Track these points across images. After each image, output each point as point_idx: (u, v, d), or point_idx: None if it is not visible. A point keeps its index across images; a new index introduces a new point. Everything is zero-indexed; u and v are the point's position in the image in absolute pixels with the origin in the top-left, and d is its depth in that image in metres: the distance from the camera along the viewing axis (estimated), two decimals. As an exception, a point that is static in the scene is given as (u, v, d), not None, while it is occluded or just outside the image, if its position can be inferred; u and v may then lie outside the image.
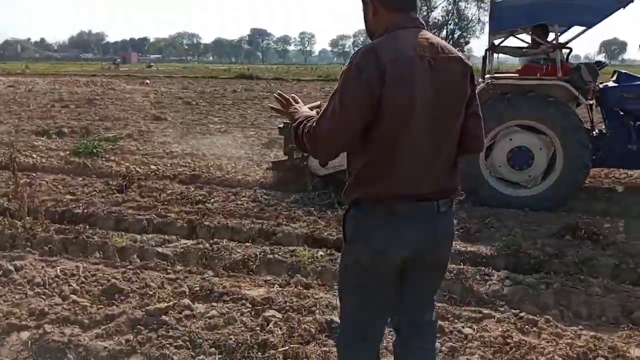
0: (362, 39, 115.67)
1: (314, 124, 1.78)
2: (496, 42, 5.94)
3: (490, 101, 5.31)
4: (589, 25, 5.53)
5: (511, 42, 6.40)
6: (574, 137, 5.22)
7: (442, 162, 1.84)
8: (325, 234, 4.64)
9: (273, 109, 2.20)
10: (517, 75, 5.94)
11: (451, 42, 52.36)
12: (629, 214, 5.40)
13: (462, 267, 3.92)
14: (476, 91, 1.94)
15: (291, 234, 4.64)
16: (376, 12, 1.86)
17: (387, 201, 1.81)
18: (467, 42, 54.46)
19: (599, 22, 5.35)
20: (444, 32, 52.64)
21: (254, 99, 17.74)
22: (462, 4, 51.41)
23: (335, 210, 5.25)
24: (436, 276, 2.06)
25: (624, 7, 5.06)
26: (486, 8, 50.59)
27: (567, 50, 5.75)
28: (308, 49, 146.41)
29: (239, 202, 5.58)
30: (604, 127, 6.00)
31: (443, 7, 52.17)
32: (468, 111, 1.89)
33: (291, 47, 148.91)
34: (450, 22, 52.31)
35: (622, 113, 5.66)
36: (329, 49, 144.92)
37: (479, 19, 51.53)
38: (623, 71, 5.99)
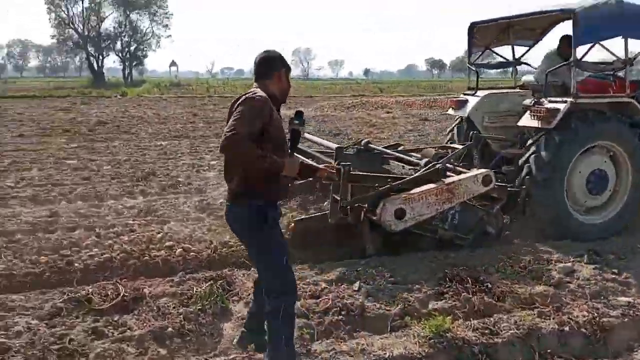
0: (18, 49, 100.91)
1: None
2: (578, 55, 5.18)
3: (575, 124, 5.06)
4: None
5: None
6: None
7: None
8: None
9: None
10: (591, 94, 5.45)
11: (128, 56, 49.72)
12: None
13: None
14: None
15: None
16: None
17: None
18: (145, 56, 52.77)
19: None
20: (119, 44, 49.77)
21: None
22: (135, 16, 49.36)
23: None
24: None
25: None
26: (159, 21, 49.87)
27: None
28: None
29: None
30: None
31: (115, 19, 49.10)
32: None
33: None
34: (124, 34, 49.60)
35: None
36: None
37: (153, 31, 50.39)
38: None
